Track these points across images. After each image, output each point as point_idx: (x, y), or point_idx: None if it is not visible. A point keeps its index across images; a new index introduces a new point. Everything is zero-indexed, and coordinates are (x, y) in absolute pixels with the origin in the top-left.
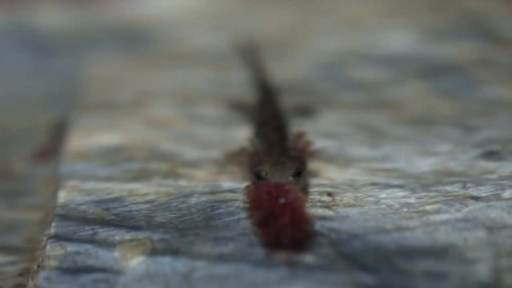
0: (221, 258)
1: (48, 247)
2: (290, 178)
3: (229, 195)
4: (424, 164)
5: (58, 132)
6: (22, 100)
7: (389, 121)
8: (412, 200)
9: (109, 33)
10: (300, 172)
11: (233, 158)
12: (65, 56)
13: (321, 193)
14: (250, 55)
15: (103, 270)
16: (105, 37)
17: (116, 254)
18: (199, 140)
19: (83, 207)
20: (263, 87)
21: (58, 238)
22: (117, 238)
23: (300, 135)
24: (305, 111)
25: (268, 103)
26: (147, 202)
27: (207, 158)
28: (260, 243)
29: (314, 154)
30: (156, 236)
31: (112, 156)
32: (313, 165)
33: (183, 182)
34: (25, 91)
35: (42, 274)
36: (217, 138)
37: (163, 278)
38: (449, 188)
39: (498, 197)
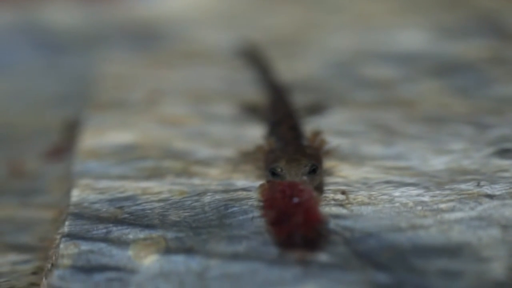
0: (235, 257)
1: (62, 245)
2: (305, 176)
3: (243, 194)
4: (438, 162)
5: (71, 131)
6: (34, 99)
7: (402, 119)
8: (426, 199)
9: (121, 31)
10: (315, 170)
11: (248, 156)
12: (77, 54)
13: (335, 191)
14: (255, 57)
15: (117, 268)
16: (117, 35)
17: (130, 252)
18: (212, 138)
19: (97, 206)
20: (274, 87)
21: (72, 236)
22: (130, 236)
23: (316, 134)
24: (318, 109)
25: (281, 102)
26: (160, 200)
27: (221, 156)
28: (274, 242)
29: (329, 153)
30: (170, 234)
31: (125, 154)
32: (327, 163)
33: (196, 181)
34: (37, 90)
35: (56, 272)
36: (230, 136)
37: (177, 277)
38: (463, 186)
39: None
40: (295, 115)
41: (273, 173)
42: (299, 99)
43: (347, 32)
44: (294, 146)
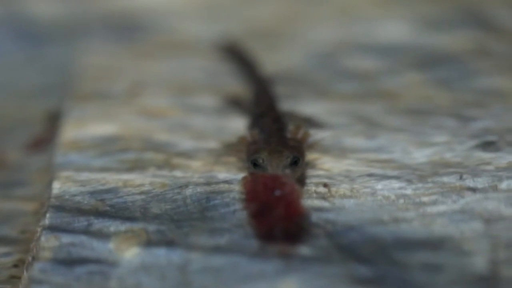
0: (216, 250)
1: (42, 238)
2: (287, 167)
3: (224, 186)
4: (421, 155)
5: (52, 122)
6: (16, 90)
7: (385, 111)
8: (408, 192)
9: (103, 22)
10: (297, 161)
11: (231, 147)
12: (59, 45)
13: (317, 184)
14: (237, 52)
15: (98, 261)
16: (99, 26)
17: (111, 245)
18: (194, 130)
19: (78, 198)
20: (257, 80)
21: (53, 229)
22: (112, 229)
23: (299, 126)
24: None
25: (265, 94)
26: (142, 193)
27: (203, 149)
28: (255, 235)
29: (312, 146)
30: (151, 227)
31: (107, 146)
32: (310, 156)
33: (178, 173)
34: (19, 81)
35: (37, 265)
36: (212, 129)
37: (158, 270)
38: (445, 179)
39: (495, 189)
40: (278, 107)
41: (255, 164)
42: (281, 91)
43: (330, 24)
44: (277, 137)
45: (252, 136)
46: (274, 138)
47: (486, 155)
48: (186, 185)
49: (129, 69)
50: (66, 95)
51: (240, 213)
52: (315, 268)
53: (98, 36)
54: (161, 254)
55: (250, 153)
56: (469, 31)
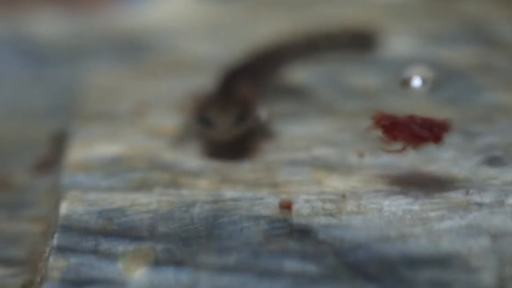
0: (224, 269)
1: (51, 258)
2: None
3: (231, 204)
4: (427, 171)
5: (59, 143)
6: (21, 111)
7: None
8: (415, 207)
9: (107, 42)
10: (244, 117)
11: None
12: (63, 65)
13: (324, 201)
14: None
15: (106, 281)
16: (103, 46)
17: (120, 265)
18: (199, 149)
19: (86, 218)
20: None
21: (61, 249)
22: (120, 249)
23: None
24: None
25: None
26: (149, 212)
27: (209, 167)
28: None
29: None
30: (159, 246)
31: (113, 166)
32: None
33: (185, 192)
34: (24, 102)
35: (46, 286)
36: None
37: None
38: (452, 194)
39: (501, 204)
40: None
41: (203, 120)
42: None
43: None
44: (224, 95)
45: (200, 95)
46: (222, 95)
47: (492, 170)
48: (193, 204)
49: (133, 89)
50: (71, 116)
51: (247, 230)
52: (323, 286)
53: (102, 56)
54: (169, 273)
55: (198, 110)
56: (473, 47)
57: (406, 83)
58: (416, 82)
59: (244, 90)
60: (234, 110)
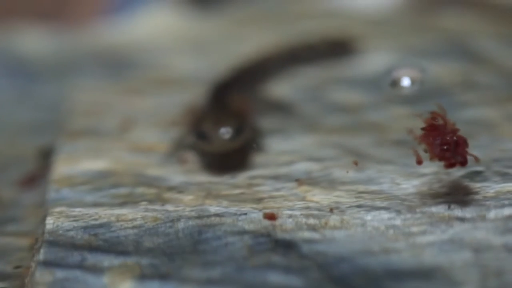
0: (209, 283)
1: (37, 273)
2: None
3: (216, 219)
4: (409, 186)
5: (45, 158)
6: (7, 127)
7: (373, 144)
8: (398, 222)
9: (93, 58)
10: (241, 129)
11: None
12: (49, 82)
13: (307, 216)
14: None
15: None
16: (89, 63)
17: (105, 280)
18: (184, 165)
19: (71, 233)
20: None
21: (47, 264)
22: (105, 264)
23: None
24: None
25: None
26: (134, 227)
27: (193, 182)
28: None
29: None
30: (145, 261)
31: (99, 181)
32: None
33: (170, 207)
34: (10, 118)
35: None
36: None
37: None
38: (434, 209)
39: (483, 218)
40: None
41: (199, 135)
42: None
43: None
44: (220, 107)
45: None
46: (217, 108)
47: (474, 185)
48: (178, 219)
49: (119, 105)
50: (57, 132)
51: (232, 245)
52: None
53: (88, 73)
54: (154, 287)
55: (194, 124)
56: (454, 62)
57: (395, 83)
58: (406, 82)
59: (238, 103)
60: (230, 123)
